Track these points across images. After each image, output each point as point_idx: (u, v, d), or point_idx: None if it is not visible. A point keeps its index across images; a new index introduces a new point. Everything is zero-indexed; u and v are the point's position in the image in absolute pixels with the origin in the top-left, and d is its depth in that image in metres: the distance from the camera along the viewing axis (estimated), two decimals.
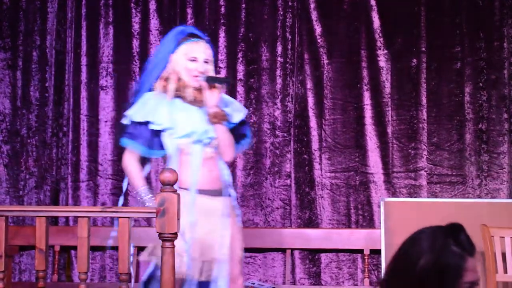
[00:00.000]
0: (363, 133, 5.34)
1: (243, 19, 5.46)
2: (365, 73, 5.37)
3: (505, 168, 5.25)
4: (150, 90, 3.51)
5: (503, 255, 4.29)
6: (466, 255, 2.01)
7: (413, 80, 5.35)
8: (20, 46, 5.46)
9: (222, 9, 5.46)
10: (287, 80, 5.41)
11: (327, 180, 5.33)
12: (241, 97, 5.36)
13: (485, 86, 5.32)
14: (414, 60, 5.36)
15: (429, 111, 5.32)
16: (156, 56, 3.58)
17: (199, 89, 3.47)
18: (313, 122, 5.37)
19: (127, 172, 3.49)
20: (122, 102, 5.43)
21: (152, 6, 5.48)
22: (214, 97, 3.45)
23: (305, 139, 5.37)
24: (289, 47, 5.41)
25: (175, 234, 2.82)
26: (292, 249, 5.28)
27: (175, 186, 2.78)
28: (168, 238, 2.82)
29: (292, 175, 5.34)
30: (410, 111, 5.34)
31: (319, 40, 5.41)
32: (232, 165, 5.11)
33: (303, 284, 5.28)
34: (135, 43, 5.47)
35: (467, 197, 5.22)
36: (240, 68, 5.43)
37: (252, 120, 5.33)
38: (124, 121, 3.48)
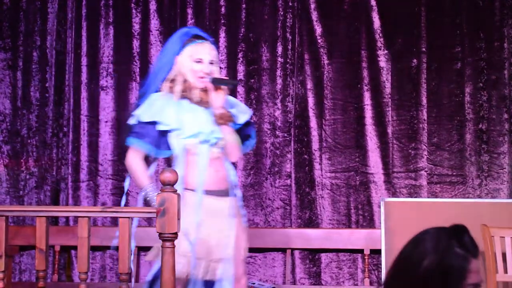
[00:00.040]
0: (363, 133, 5.35)
1: (244, 19, 5.46)
2: (365, 73, 5.37)
3: (506, 168, 5.26)
4: (157, 91, 3.52)
5: (503, 255, 4.29)
6: (470, 256, 2.00)
7: (414, 80, 5.35)
8: (21, 46, 5.47)
9: (223, 9, 5.46)
10: (288, 81, 5.41)
11: (327, 180, 5.33)
12: (241, 97, 5.36)
13: (485, 86, 5.32)
14: (415, 60, 5.36)
15: (429, 111, 5.32)
16: (161, 58, 3.59)
17: (205, 90, 3.48)
18: (313, 122, 5.37)
19: (132, 170, 3.48)
20: (122, 102, 5.45)
21: (153, 6, 5.48)
22: (220, 98, 3.47)
23: (306, 139, 5.37)
24: (290, 47, 5.42)
25: (175, 234, 2.83)
26: (292, 249, 5.28)
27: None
28: (168, 238, 2.82)
29: (292, 175, 5.35)
30: (410, 111, 5.34)
31: (319, 41, 5.41)
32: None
33: (303, 284, 5.28)
34: (136, 43, 5.47)
35: (468, 197, 5.22)
36: (241, 68, 5.43)
37: (252, 121, 5.34)
38: (131, 121, 3.49)
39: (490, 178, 5.26)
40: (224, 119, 3.46)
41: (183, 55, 3.51)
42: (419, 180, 5.28)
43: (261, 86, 5.42)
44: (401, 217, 4.73)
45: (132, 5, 5.49)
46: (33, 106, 5.44)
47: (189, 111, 3.46)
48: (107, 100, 5.45)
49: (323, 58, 5.40)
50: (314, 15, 5.42)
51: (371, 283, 5.17)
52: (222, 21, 5.46)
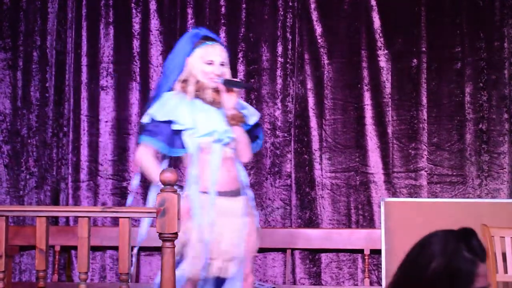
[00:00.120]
0: (363, 133, 5.35)
1: (244, 19, 5.46)
2: (365, 73, 5.37)
3: (506, 168, 5.26)
4: (169, 91, 3.53)
5: (503, 255, 4.29)
6: (477, 260, 2.00)
7: (414, 80, 5.35)
8: (21, 46, 5.47)
9: (223, 9, 5.46)
10: (288, 80, 5.41)
11: (328, 180, 5.33)
12: (242, 97, 5.35)
13: (485, 86, 5.32)
14: (415, 60, 5.36)
15: (429, 111, 5.32)
16: (172, 60, 3.60)
17: (217, 91, 3.49)
18: (313, 122, 5.37)
19: (143, 166, 3.47)
20: (123, 102, 5.45)
21: (153, 6, 5.48)
22: (232, 99, 3.49)
23: (306, 139, 5.37)
24: (290, 47, 5.42)
25: (175, 234, 2.83)
26: (293, 249, 5.28)
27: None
28: (168, 238, 2.82)
29: (293, 175, 5.34)
30: (410, 111, 5.34)
31: (319, 40, 5.41)
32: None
33: (303, 284, 5.28)
34: (136, 43, 5.47)
35: (468, 197, 5.22)
36: (241, 68, 5.43)
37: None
38: (144, 120, 3.50)
39: (490, 178, 5.26)
40: (236, 120, 3.49)
41: (194, 57, 3.52)
42: (419, 180, 5.28)
43: (261, 86, 5.42)
44: (401, 217, 4.73)
45: (132, 5, 5.49)
46: (33, 106, 5.44)
47: (203, 111, 3.48)
48: (107, 100, 5.45)
49: (323, 58, 5.40)
50: (314, 15, 5.42)
51: (371, 283, 5.17)
52: (222, 21, 5.46)
